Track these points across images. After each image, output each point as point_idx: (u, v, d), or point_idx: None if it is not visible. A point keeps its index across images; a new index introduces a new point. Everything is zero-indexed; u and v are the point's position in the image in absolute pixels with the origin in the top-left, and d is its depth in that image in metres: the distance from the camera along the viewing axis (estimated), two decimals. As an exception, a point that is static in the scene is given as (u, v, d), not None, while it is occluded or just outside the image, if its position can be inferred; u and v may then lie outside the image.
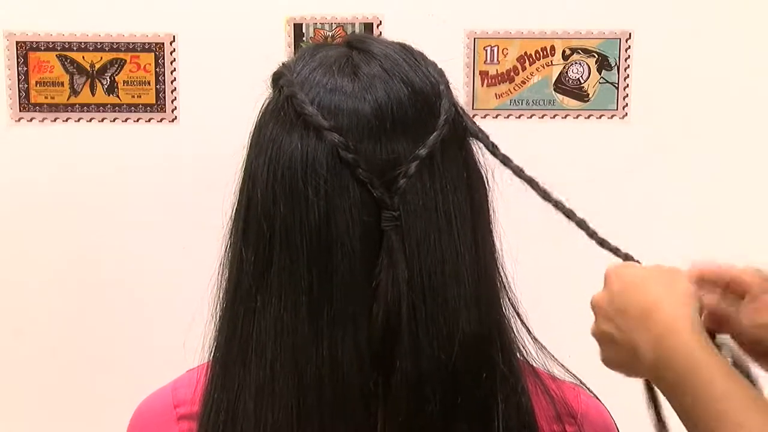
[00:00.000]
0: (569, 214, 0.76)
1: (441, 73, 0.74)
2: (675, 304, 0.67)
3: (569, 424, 0.76)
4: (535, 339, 0.76)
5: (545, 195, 0.75)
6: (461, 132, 0.73)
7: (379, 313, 0.67)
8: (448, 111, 0.71)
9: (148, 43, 1.70)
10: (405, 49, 0.74)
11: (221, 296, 0.74)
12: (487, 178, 0.74)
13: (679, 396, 0.64)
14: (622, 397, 0.83)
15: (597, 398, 0.80)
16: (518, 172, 0.74)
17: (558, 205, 0.75)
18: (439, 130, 0.70)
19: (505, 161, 0.74)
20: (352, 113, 0.69)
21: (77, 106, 1.70)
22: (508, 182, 0.76)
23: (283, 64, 0.76)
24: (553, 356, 0.77)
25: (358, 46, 0.74)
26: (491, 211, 0.75)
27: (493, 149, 0.74)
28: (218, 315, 0.74)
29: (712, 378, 0.61)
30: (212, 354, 0.74)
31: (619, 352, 0.69)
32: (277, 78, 0.74)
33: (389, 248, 0.67)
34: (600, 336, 0.72)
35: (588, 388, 0.79)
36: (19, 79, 1.69)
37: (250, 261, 0.70)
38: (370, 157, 0.68)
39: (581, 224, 0.76)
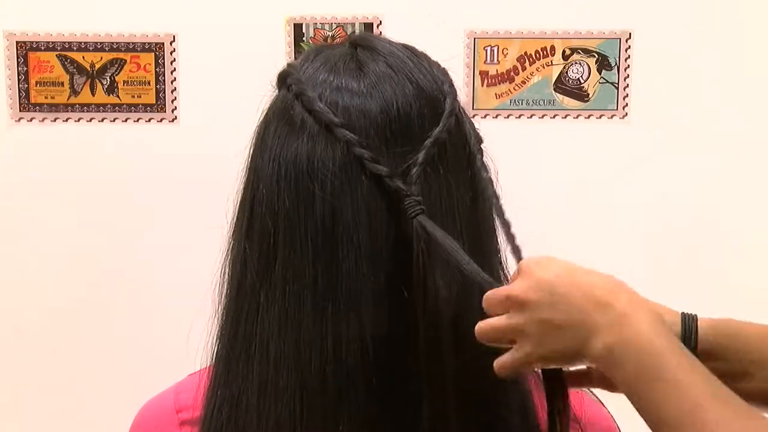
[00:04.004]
0: (510, 238, 0.73)
1: (444, 72, 0.74)
2: (627, 291, 0.64)
3: (573, 429, 0.76)
4: None
5: (500, 212, 0.73)
6: (465, 131, 0.73)
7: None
8: (452, 105, 0.71)
9: (148, 43, 1.70)
10: (408, 48, 0.75)
11: (224, 294, 0.74)
12: (491, 179, 0.74)
13: (640, 386, 0.61)
14: (626, 401, 0.83)
15: (601, 403, 0.79)
16: (488, 183, 0.73)
17: (504, 227, 0.72)
18: (444, 121, 0.70)
19: (481, 169, 0.73)
20: (359, 111, 0.69)
21: (77, 106, 1.70)
22: (512, 182, 0.75)
23: (288, 64, 0.76)
24: None
25: (361, 44, 0.75)
26: (495, 213, 0.74)
27: (476, 152, 0.73)
28: (221, 313, 0.74)
29: (676, 367, 0.59)
30: (215, 351, 0.74)
31: (564, 339, 0.64)
32: (284, 77, 0.74)
33: (424, 233, 0.66)
34: (537, 326, 0.64)
35: (592, 393, 0.79)
36: (19, 79, 1.69)
37: (254, 257, 0.70)
38: (378, 154, 0.68)
39: (515, 251, 0.73)
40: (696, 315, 0.70)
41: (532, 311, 0.64)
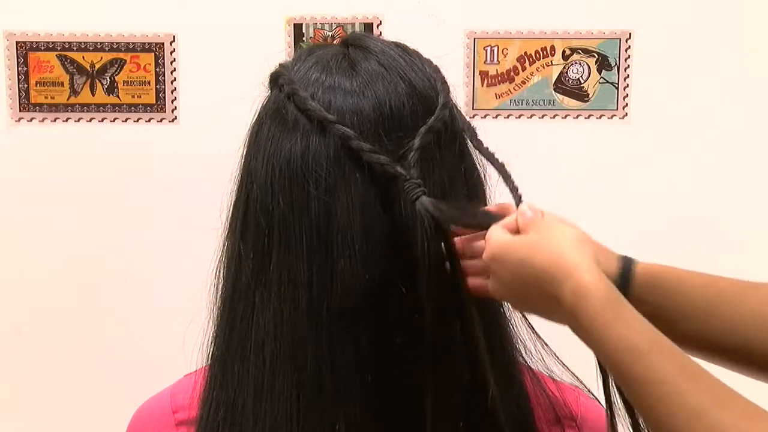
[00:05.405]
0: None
1: (436, 69, 0.74)
2: (572, 273, 0.61)
3: (569, 427, 0.76)
4: (537, 336, 0.76)
5: (516, 194, 0.73)
6: (457, 126, 0.73)
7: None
8: (445, 99, 0.72)
9: (148, 43, 1.70)
10: (400, 47, 0.75)
11: (219, 295, 0.74)
12: (484, 174, 0.74)
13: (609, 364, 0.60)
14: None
15: (597, 400, 0.79)
16: (501, 169, 0.73)
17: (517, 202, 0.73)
18: (438, 112, 0.70)
19: (490, 158, 0.73)
20: (352, 110, 0.69)
21: (77, 106, 1.70)
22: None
23: (280, 64, 0.76)
24: (554, 353, 0.77)
25: (353, 43, 0.75)
26: (506, 185, 0.74)
27: (479, 145, 0.73)
28: (217, 314, 0.74)
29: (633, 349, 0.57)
30: (211, 353, 0.74)
31: (536, 308, 0.67)
32: (276, 77, 0.74)
33: (428, 214, 0.66)
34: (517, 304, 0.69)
35: (588, 390, 0.79)
36: (19, 79, 1.69)
37: (248, 258, 0.70)
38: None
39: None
40: (634, 261, 0.70)
41: (513, 302, 0.68)
